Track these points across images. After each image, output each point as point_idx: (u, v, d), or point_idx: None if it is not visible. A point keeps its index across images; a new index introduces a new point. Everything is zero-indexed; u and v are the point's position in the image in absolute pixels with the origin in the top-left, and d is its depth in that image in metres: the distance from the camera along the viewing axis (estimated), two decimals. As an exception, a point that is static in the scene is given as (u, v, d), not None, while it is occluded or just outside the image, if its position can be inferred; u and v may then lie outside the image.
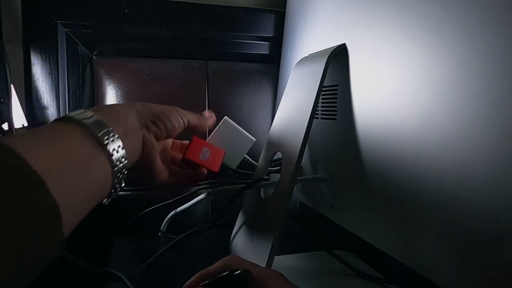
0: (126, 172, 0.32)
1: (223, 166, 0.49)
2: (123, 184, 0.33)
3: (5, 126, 0.50)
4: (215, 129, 0.51)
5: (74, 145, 0.27)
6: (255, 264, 0.34)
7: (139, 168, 0.38)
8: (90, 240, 0.56)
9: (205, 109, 0.77)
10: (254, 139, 0.51)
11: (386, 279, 0.50)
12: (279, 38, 0.75)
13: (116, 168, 0.30)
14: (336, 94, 0.45)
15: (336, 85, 0.45)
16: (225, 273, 0.32)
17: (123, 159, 0.31)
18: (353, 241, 0.55)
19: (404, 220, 0.37)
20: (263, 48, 0.81)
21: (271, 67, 0.81)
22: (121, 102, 0.73)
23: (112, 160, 0.29)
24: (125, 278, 0.44)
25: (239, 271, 0.31)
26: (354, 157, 0.42)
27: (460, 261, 0.30)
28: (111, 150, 0.29)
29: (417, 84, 0.33)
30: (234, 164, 0.51)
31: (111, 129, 0.30)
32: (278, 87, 0.76)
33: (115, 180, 0.30)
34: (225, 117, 0.51)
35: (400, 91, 0.36)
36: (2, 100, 0.47)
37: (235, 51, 0.80)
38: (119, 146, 0.30)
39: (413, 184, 0.35)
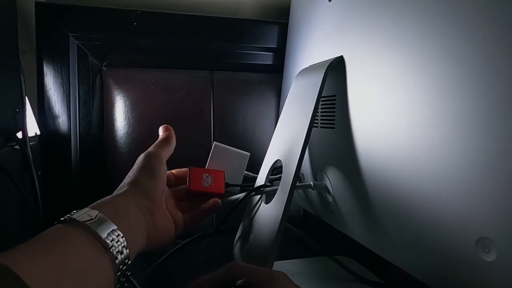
0: (129, 273, 0.32)
1: (228, 185, 0.51)
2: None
3: (19, 135, 0.53)
4: (209, 157, 0.53)
5: (76, 255, 0.27)
6: (258, 267, 0.34)
7: (155, 245, 0.39)
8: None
9: (210, 118, 0.79)
10: (248, 154, 0.53)
11: (386, 284, 0.51)
12: (282, 49, 0.77)
13: (119, 273, 0.30)
14: (334, 104, 0.47)
15: (335, 95, 0.47)
16: (227, 282, 0.33)
17: (127, 261, 0.31)
18: (355, 247, 0.56)
19: (399, 225, 0.38)
20: (267, 58, 0.83)
21: (274, 77, 0.83)
22: (129, 112, 0.75)
23: (115, 264, 0.30)
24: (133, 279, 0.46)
25: (241, 281, 0.32)
26: (352, 164, 0.44)
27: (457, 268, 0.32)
28: (115, 253, 0.29)
29: (412, 94, 0.35)
30: (238, 181, 0.53)
31: (115, 227, 0.31)
32: (281, 97, 0.78)
33: (118, 285, 0.31)
34: (215, 142, 0.54)
35: (395, 101, 0.37)
36: (17, 110, 0.49)
37: (240, 62, 0.83)
38: (123, 247, 0.31)
39: (409, 190, 0.36)
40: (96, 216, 0.30)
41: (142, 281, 0.52)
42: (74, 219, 0.29)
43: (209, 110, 0.79)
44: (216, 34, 0.78)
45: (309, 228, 0.78)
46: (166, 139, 0.46)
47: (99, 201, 0.35)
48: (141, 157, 0.42)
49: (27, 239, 0.48)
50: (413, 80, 0.35)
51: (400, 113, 0.37)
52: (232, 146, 0.80)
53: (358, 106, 0.43)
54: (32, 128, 0.67)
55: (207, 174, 0.48)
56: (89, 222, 0.29)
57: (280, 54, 0.78)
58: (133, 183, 0.38)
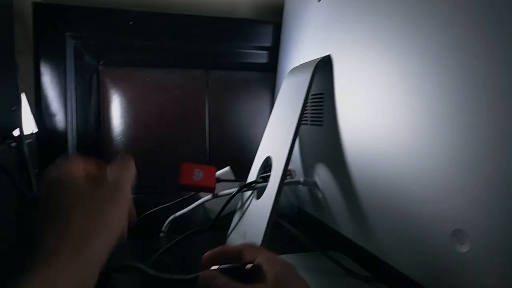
0: None
1: (219, 180, 0.53)
2: None
3: (15, 132, 0.54)
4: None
5: None
6: (272, 254, 0.33)
7: None
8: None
9: (205, 116, 0.80)
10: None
11: (374, 277, 0.52)
12: (277, 48, 0.78)
13: None
14: (322, 101, 0.48)
15: (323, 93, 0.48)
16: (238, 264, 0.33)
17: None
18: (347, 242, 0.57)
19: (382, 219, 0.39)
20: (261, 57, 0.84)
21: (269, 75, 0.84)
22: (126, 110, 0.77)
23: None
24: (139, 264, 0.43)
25: (251, 265, 0.32)
26: (339, 160, 0.45)
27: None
28: None
29: (396, 92, 0.36)
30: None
31: None
32: (274, 95, 0.79)
33: None
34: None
35: (380, 99, 0.38)
36: (13, 108, 0.50)
37: (235, 61, 0.84)
38: None
39: (391, 185, 0.37)
40: None
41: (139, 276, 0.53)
42: None
43: (204, 108, 0.80)
44: (212, 34, 0.79)
45: (304, 225, 0.79)
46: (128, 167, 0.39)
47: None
48: None
49: (24, 235, 0.49)
50: (397, 79, 0.36)
51: (384, 111, 0.38)
52: (228, 145, 0.81)
53: (345, 104, 0.44)
54: (30, 126, 0.68)
55: (199, 170, 0.50)
56: None
57: (274, 53, 0.79)
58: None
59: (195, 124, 0.79)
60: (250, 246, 0.34)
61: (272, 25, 0.80)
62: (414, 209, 0.34)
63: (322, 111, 0.48)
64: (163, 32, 0.77)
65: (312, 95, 0.50)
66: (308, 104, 0.51)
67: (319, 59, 0.47)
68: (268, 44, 0.82)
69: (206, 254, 0.35)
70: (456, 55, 0.29)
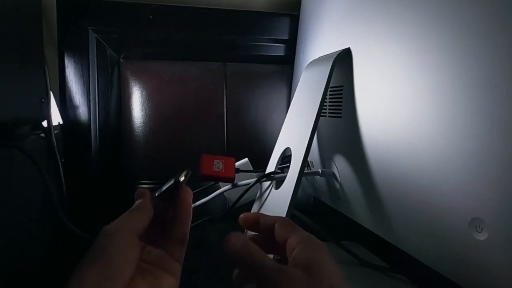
0: None
1: (238, 170, 0.54)
2: None
3: (44, 124, 0.56)
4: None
5: None
6: (307, 234, 0.30)
7: None
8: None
9: (223, 108, 0.81)
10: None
11: (390, 268, 0.53)
12: (294, 40, 0.79)
13: None
14: (341, 94, 0.49)
15: (342, 86, 0.49)
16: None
17: None
18: (362, 233, 0.58)
19: (401, 208, 0.40)
20: (278, 50, 0.85)
21: (286, 68, 0.84)
22: (146, 103, 0.79)
23: None
24: None
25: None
26: (358, 152, 0.46)
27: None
28: None
29: (415, 85, 0.37)
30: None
31: None
32: (292, 87, 0.80)
33: None
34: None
35: (399, 92, 0.39)
36: (43, 100, 0.53)
37: (252, 53, 0.85)
38: None
39: (410, 176, 0.38)
40: None
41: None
42: None
43: (222, 101, 0.81)
44: (229, 27, 0.80)
45: (319, 215, 0.80)
46: (138, 208, 0.33)
47: None
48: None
49: (50, 225, 0.50)
50: (417, 72, 0.36)
51: (403, 104, 0.38)
52: (245, 136, 0.83)
53: (364, 97, 0.45)
54: (55, 118, 0.71)
55: (218, 161, 0.51)
56: None
57: (292, 45, 0.80)
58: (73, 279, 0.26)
59: (213, 116, 0.81)
60: (285, 222, 0.32)
61: (289, 17, 0.81)
62: (432, 198, 0.35)
63: (340, 104, 0.49)
64: (182, 26, 0.78)
65: (331, 87, 0.51)
66: (327, 96, 0.52)
67: (338, 52, 0.47)
68: (285, 37, 0.82)
69: (243, 214, 0.35)
70: (479, 47, 0.29)
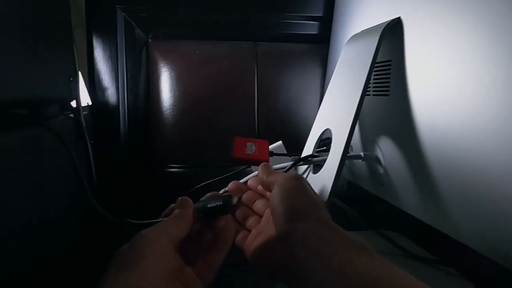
0: None
1: (272, 154, 0.51)
2: None
3: (73, 104, 0.55)
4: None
5: None
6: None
7: None
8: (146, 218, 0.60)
9: (254, 89, 0.78)
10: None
11: (439, 260, 0.49)
12: (329, 17, 0.74)
13: None
14: (389, 70, 0.45)
15: (389, 61, 0.44)
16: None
17: None
18: (403, 221, 0.54)
19: (458, 196, 0.36)
20: (312, 28, 0.80)
21: (320, 47, 0.80)
22: (174, 84, 0.76)
23: None
24: None
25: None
26: (407, 134, 0.42)
27: None
28: None
29: (479, 59, 0.32)
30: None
31: None
32: (327, 67, 0.76)
33: None
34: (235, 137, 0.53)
35: (459, 67, 0.35)
36: (71, 78, 0.51)
37: (284, 32, 0.80)
38: None
39: (469, 161, 0.34)
40: None
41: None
42: None
43: (252, 81, 0.78)
44: (260, 4, 0.76)
45: (353, 201, 0.76)
46: (178, 218, 0.33)
47: None
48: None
49: (79, 207, 0.48)
50: (480, 44, 0.32)
51: (464, 81, 0.34)
52: (277, 118, 0.79)
53: (416, 72, 0.41)
54: (84, 98, 0.69)
55: (251, 143, 0.48)
56: None
57: (326, 23, 0.75)
58: (107, 280, 0.26)
59: (244, 98, 0.78)
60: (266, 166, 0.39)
61: (324, -7, 0.76)
62: (493, 186, 0.31)
63: (388, 80, 0.45)
64: (211, 4, 0.75)
65: (377, 63, 0.47)
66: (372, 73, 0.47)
67: (387, 23, 0.43)
68: (319, 14, 0.77)
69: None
70: None
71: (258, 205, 0.40)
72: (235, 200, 0.34)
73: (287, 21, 0.79)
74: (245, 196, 0.41)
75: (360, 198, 0.74)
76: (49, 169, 0.46)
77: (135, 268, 0.26)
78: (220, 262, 0.33)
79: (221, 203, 0.34)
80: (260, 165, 0.40)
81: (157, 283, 0.26)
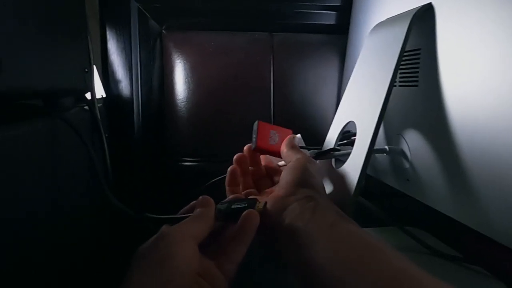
0: None
1: None
2: None
3: (88, 96, 0.54)
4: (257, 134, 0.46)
5: None
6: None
7: None
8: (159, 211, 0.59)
9: (270, 81, 0.76)
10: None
11: (465, 258, 0.47)
12: (347, 7, 0.71)
13: None
14: (418, 59, 0.42)
15: (419, 49, 0.42)
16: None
17: None
18: (424, 217, 0.52)
19: (493, 192, 0.34)
20: (330, 18, 0.78)
21: (338, 38, 0.78)
22: (189, 75, 0.75)
23: None
24: None
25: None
26: (437, 127, 0.40)
27: None
28: None
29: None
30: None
31: None
32: (346, 59, 0.73)
33: None
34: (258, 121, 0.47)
35: (495, 55, 0.32)
36: (86, 70, 0.50)
37: (301, 22, 0.78)
38: None
39: (504, 154, 0.32)
40: None
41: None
42: None
43: (268, 73, 0.76)
44: (277, -6, 0.74)
45: (370, 196, 0.74)
46: (200, 217, 0.32)
47: None
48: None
49: (94, 199, 0.47)
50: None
51: (500, 71, 0.32)
52: (293, 110, 0.77)
53: (447, 62, 0.38)
54: (98, 91, 0.68)
55: (274, 132, 0.45)
56: None
57: (345, 13, 0.73)
58: (133, 280, 0.25)
59: (259, 90, 0.76)
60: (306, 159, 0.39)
61: (342, -18, 0.73)
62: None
63: (417, 70, 0.43)
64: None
65: (405, 51, 0.44)
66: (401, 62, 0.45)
67: (418, 9, 0.41)
68: (337, 3, 0.75)
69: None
70: None
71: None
72: (260, 205, 0.33)
73: (304, 11, 0.77)
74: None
75: (376, 193, 0.72)
76: (64, 161, 0.45)
77: (162, 269, 0.25)
78: (242, 254, 0.32)
79: (246, 205, 0.33)
80: (288, 137, 0.44)
81: (183, 284, 0.26)
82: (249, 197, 0.40)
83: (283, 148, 0.43)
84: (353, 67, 0.51)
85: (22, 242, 0.36)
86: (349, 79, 0.51)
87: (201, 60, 0.75)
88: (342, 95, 0.51)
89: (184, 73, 0.75)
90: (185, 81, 0.75)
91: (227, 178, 0.43)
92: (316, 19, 0.78)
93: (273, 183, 0.46)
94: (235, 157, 0.44)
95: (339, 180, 0.43)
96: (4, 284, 0.20)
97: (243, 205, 0.33)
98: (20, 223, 0.36)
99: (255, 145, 0.44)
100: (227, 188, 0.43)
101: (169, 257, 0.26)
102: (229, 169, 0.44)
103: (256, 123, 0.45)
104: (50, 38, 0.42)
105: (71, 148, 0.48)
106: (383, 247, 0.27)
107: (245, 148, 0.45)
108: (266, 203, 0.34)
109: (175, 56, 0.75)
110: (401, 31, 0.41)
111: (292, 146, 0.42)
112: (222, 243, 0.32)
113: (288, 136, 0.44)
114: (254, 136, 0.45)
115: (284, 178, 0.37)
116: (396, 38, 0.41)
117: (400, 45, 0.40)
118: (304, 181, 0.35)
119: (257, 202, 0.34)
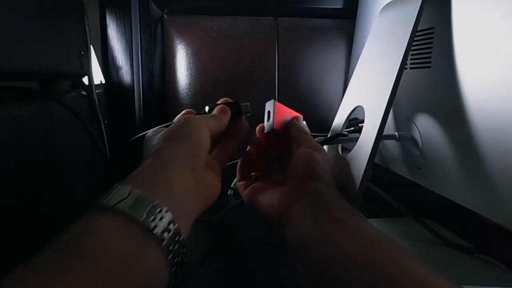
0: (184, 250, 0.28)
1: None
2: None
3: (85, 80, 0.52)
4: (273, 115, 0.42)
5: (109, 252, 0.22)
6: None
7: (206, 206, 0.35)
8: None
9: (275, 67, 0.74)
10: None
11: (477, 249, 0.45)
12: (354, -10, 0.69)
13: (170, 256, 0.25)
14: (431, 39, 0.40)
15: (432, 28, 0.40)
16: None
17: (177, 238, 0.26)
18: (433, 207, 0.50)
19: (507, 181, 0.32)
20: (337, 2, 0.75)
21: (345, 22, 0.75)
22: (191, 61, 0.73)
23: (164, 247, 0.25)
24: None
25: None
26: (452, 111, 0.37)
27: None
28: (159, 233, 0.25)
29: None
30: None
31: (155, 201, 0.26)
32: (353, 44, 0.71)
33: (173, 268, 0.26)
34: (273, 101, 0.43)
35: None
36: (82, 52, 0.48)
37: (307, 6, 0.76)
38: (169, 222, 0.26)
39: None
40: (129, 193, 0.25)
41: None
42: (103, 205, 0.24)
43: (273, 59, 0.74)
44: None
45: (377, 186, 0.72)
46: (219, 117, 0.40)
47: (133, 172, 0.30)
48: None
49: (97, 182, 0.46)
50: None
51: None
52: (298, 97, 0.75)
53: (463, 41, 0.36)
54: (97, 76, 0.66)
55: (288, 115, 0.43)
56: (121, 203, 0.24)
57: (352, -4, 0.70)
58: (165, 146, 0.32)
59: (264, 76, 0.74)
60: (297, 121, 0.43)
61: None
62: None
63: (430, 51, 0.40)
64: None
65: (417, 31, 0.42)
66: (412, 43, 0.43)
67: (431, -15, 0.38)
68: (345, -14, 0.72)
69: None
70: None
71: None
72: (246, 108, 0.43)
73: (310, -6, 0.74)
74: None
75: (386, 183, 0.70)
76: (60, 144, 0.43)
77: (187, 140, 0.33)
78: (234, 150, 0.42)
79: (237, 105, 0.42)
80: (295, 117, 0.44)
81: (202, 155, 0.34)
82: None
83: (292, 130, 0.41)
84: (361, 52, 0.49)
85: (18, 217, 0.35)
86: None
87: (203, 45, 0.73)
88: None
89: (186, 59, 0.73)
90: (187, 68, 0.73)
91: (241, 161, 0.44)
92: (323, 3, 0.76)
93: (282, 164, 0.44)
94: (253, 141, 0.45)
95: (346, 167, 0.41)
96: (4, 265, 0.19)
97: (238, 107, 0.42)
98: (17, 197, 0.35)
99: (271, 127, 0.40)
100: (238, 171, 0.44)
101: (191, 134, 0.34)
102: (247, 149, 0.44)
103: (272, 102, 0.41)
104: (44, 18, 0.40)
105: (69, 130, 0.46)
106: (391, 244, 0.26)
107: (257, 128, 0.44)
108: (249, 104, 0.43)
109: (177, 42, 0.73)
110: (413, 9, 0.38)
111: (301, 130, 0.41)
112: (219, 140, 0.41)
113: (296, 116, 0.44)
114: (269, 117, 0.41)
115: (293, 168, 0.36)
116: (407, 17, 0.39)
117: (412, 25, 0.38)
118: (313, 173, 0.35)
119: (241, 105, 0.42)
